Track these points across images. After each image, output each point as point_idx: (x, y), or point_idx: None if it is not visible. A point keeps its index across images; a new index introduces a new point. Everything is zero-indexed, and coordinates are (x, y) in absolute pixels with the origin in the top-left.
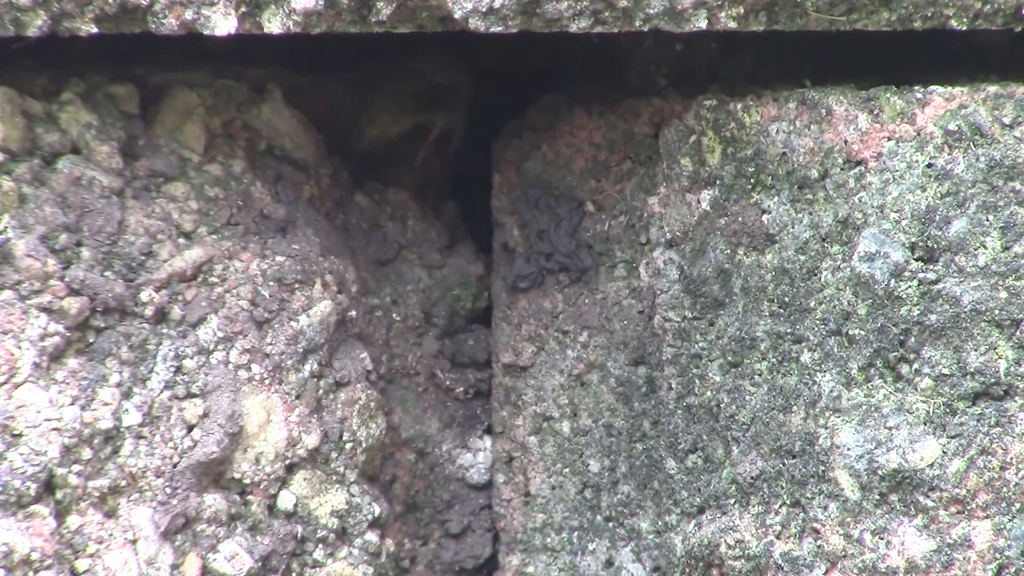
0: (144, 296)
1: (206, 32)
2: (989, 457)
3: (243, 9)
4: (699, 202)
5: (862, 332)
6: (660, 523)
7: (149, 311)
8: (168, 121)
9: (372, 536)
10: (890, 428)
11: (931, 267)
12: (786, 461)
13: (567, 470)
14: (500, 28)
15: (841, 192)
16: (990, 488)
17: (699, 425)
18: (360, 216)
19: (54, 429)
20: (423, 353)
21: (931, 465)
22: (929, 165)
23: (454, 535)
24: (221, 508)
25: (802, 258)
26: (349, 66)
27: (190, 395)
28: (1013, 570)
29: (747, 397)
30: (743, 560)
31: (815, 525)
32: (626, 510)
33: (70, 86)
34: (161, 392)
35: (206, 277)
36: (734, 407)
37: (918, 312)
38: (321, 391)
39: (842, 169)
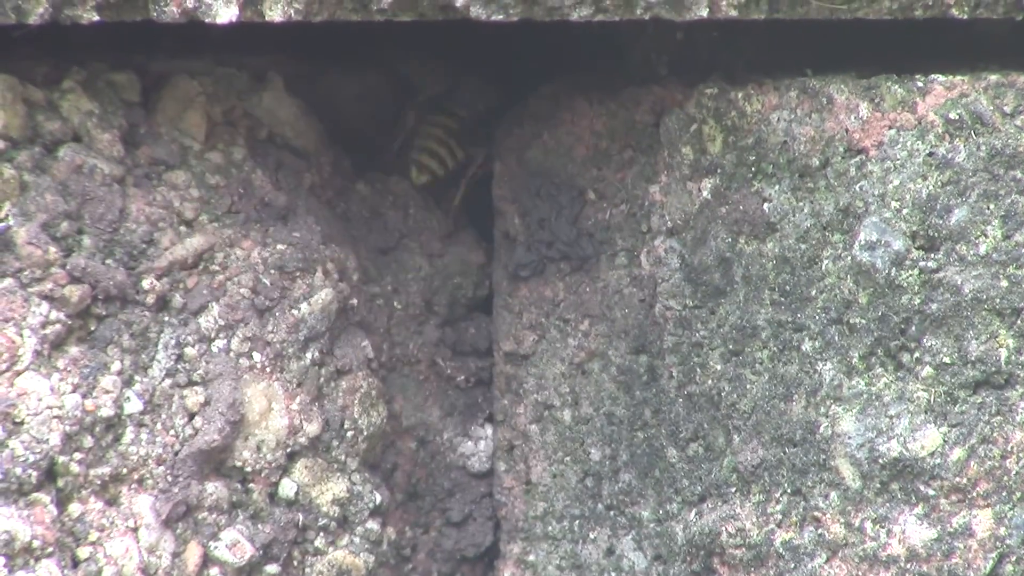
0: (145, 284)
1: (207, 20)
2: (990, 446)
3: None
4: (700, 190)
5: (863, 321)
6: (661, 512)
7: (150, 299)
8: (169, 109)
9: (373, 524)
10: (891, 417)
11: (932, 256)
12: (787, 450)
13: (568, 458)
14: (501, 16)
15: (842, 181)
16: (991, 477)
17: (700, 414)
18: (361, 204)
19: (55, 417)
20: (424, 341)
21: (932, 454)
22: (930, 154)
23: (455, 523)
24: (222, 496)
25: (803, 247)
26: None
27: (191, 383)
28: (1014, 559)
29: (748, 386)
30: (744, 549)
31: (816, 514)
32: (627, 499)
33: (71, 74)
34: (162, 380)
35: (207, 265)
36: (735, 396)
37: (919, 301)
38: (322, 379)
39: (843, 158)
